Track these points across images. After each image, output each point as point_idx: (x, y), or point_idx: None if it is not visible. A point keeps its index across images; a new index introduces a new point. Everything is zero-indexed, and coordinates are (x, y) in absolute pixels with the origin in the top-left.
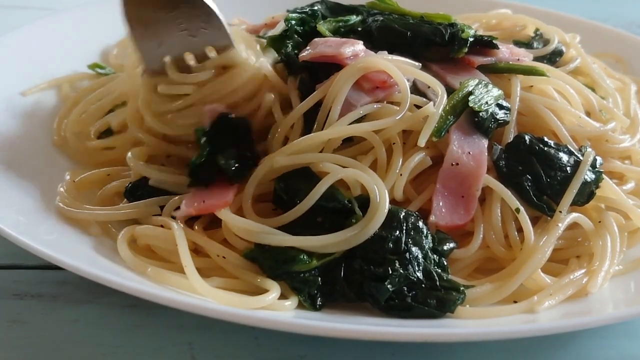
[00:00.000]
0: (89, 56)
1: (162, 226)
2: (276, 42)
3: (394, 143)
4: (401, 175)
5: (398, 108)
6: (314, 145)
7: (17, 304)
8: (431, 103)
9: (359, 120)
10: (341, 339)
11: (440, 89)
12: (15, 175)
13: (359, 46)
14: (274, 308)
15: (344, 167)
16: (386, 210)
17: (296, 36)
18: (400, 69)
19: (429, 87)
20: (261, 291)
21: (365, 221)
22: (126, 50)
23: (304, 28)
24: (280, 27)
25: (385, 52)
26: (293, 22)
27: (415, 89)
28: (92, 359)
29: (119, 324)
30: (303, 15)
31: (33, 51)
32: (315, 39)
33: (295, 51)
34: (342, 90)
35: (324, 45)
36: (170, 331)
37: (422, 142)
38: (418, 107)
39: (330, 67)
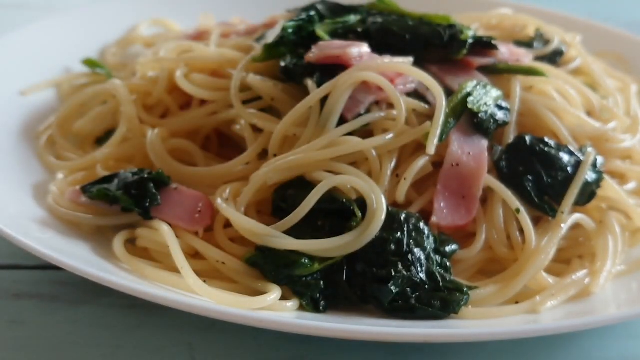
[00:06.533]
0: (88, 56)
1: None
2: (271, 50)
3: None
4: (405, 179)
5: (394, 121)
6: (304, 166)
7: (16, 305)
8: (428, 123)
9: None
10: (342, 340)
11: (439, 94)
12: (14, 175)
13: (364, 48)
14: (275, 309)
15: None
16: (384, 215)
17: (292, 43)
18: (401, 70)
19: (428, 89)
20: (261, 294)
21: (364, 226)
22: (124, 49)
23: (301, 34)
24: (274, 34)
25: (389, 56)
26: (290, 30)
27: (414, 91)
28: None
29: (119, 324)
30: (300, 22)
31: (33, 51)
32: (321, 42)
33: (294, 60)
34: (339, 100)
35: (330, 48)
36: (170, 332)
37: (431, 150)
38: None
39: (334, 70)
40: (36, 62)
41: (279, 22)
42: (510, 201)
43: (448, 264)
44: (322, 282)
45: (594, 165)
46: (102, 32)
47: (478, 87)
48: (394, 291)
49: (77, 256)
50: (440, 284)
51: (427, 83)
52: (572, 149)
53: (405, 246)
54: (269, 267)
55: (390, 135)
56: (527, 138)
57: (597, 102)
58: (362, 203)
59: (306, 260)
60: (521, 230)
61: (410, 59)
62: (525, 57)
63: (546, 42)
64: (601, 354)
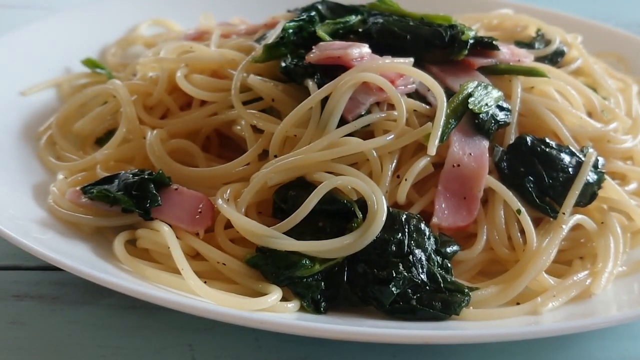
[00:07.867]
0: (88, 56)
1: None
2: (271, 50)
3: None
4: (406, 180)
5: (395, 122)
6: (305, 166)
7: (16, 305)
8: (429, 123)
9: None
10: (342, 341)
11: (440, 94)
12: (14, 176)
13: (364, 49)
14: (275, 310)
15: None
16: (384, 216)
17: (292, 44)
18: (402, 71)
19: (429, 90)
20: (262, 295)
21: (364, 227)
22: (124, 49)
23: (302, 34)
24: (274, 34)
25: (389, 57)
26: (290, 30)
27: (415, 92)
28: None
29: (119, 325)
30: (300, 22)
31: (33, 51)
32: (321, 43)
33: (295, 61)
34: (340, 101)
35: (331, 48)
36: (171, 333)
37: (432, 151)
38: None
39: (334, 70)
40: (36, 62)
41: (279, 23)
42: (511, 202)
43: (449, 265)
44: (322, 283)
45: (595, 166)
46: (102, 32)
47: (479, 87)
48: (394, 292)
49: (77, 257)
50: (441, 285)
51: (427, 83)
52: (573, 149)
53: (406, 247)
54: (270, 268)
55: (391, 136)
56: (528, 139)
57: (598, 103)
58: (362, 204)
59: (307, 261)
60: (522, 231)
61: (411, 60)
62: (526, 58)
63: (547, 42)
64: (602, 354)
